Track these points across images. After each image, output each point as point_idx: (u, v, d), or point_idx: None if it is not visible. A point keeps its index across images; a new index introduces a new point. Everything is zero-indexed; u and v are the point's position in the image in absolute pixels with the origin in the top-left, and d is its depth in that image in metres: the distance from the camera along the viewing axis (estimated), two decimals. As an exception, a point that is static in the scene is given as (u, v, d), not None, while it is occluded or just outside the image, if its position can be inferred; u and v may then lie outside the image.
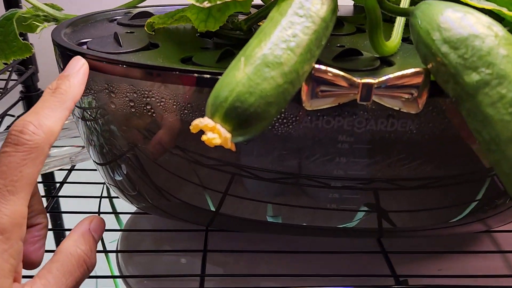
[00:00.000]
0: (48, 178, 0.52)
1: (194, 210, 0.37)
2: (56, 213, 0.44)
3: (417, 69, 0.26)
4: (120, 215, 0.44)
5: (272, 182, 0.34)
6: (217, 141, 0.22)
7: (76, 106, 0.35)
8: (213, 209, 0.37)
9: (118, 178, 0.38)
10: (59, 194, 0.44)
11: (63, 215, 0.47)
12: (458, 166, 0.32)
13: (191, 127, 0.23)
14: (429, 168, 0.31)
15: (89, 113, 0.34)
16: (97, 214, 0.30)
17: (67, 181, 0.46)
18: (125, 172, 0.37)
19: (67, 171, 0.47)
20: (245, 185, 0.35)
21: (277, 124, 0.29)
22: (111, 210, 0.44)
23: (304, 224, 0.37)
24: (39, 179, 0.47)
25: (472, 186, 0.35)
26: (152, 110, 0.30)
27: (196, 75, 0.28)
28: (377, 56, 0.33)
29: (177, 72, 0.28)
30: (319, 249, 0.38)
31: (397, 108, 0.27)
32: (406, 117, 0.29)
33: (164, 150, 0.34)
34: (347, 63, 0.32)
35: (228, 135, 0.22)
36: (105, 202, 0.44)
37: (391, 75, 0.27)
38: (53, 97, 0.27)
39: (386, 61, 0.33)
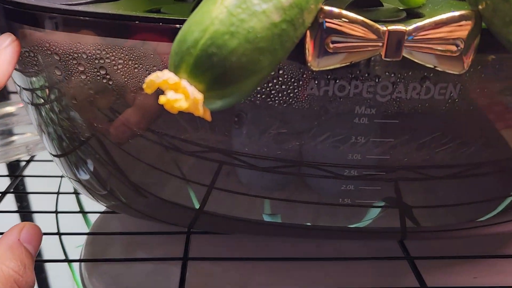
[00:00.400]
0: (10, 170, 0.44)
1: (172, 208, 0.30)
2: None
3: (464, 12, 0.19)
4: (88, 213, 0.37)
5: (269, 171, 0.27)
6: (182, 104, 0.15)
7: (23, 88, 0.28)
8: (196, 206, 0.30)
9: (79, 171, 0.31)
10: (12, 190, 0.36)
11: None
12: (509, 147, 0.25)
13: (144, 86, 0.15)
14: (472, 150, 0.24)
15: (38, 94, 0.27)
16: (30, 222, 0.23)
17: (23, 174, 0.38)
18: (87, 164, 0.30)
19: (25, 162, 0.40)
20: (236, 176, 0.28)
21: (273, 91, 0.22)
22: (76, 208, 0.36)
23: (309, 224, 0.30)
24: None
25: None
26: (108, 77, 0.23)
27: (160, 24, 0.20)
28: (402, 7, 0.26)
29: (136, 22, 0.21)
30: (328, 255, 0.31)
31: (435, 68, 0.20)
32: (446, 80, 0.21)
33: (133, 134, 0.26)
34: (364, 14, 0.24)
35: (199, 96, 0.15)
36: (69, 199, 0.37)
37: (428, 21, 0.19)
38: None
39: (414, 14, 0.25)
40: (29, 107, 0.30)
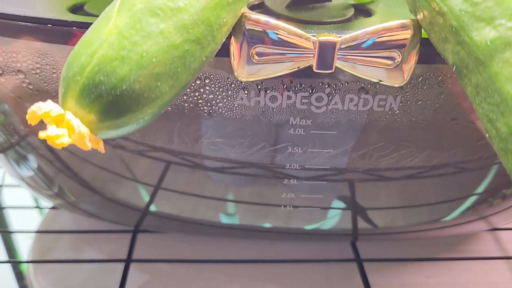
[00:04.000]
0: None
1: (117, 208, 0.29)
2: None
3: (402, 21, 0.18)
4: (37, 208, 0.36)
5: (211, 171, 0.26)
6: (64, 140, 0.13)
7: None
8: (142, 206, 0.29)
9: (21, 169, 0.29)
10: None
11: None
12: (457, 154, 0.24)
13: (27, 117, 0.14)
14: (416, 159, 0.23)
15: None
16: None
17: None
18: (29, 162, 0.29)
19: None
20: (182, 176, 0.27)
21: (200, 101, 0.20)
22: (25, 201, 0.35)
23: (260, 225, 0.29)
24: None
25: (472, 176, 0.27)
26: (27, 81, 0.21)
27: (73, 28, 0.19)
28: (352, 2, 0.24)
29: (47, 25, 0.19)
30: (278, 257, 0.30)
31: (374, 80, 0.19)
32: (385, 92, 0.20)
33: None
34: (307, 13, 0.22)
35: (84, 130, 0.14)
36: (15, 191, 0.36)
37: (362, 31, 0.18)
38: None
39: (363, 11, 0.23)
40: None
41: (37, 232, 0.33)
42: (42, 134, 0.13)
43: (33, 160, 0.28)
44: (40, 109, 0.14)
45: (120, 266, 0.29)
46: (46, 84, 0.21)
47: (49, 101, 0.14)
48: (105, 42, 0.14)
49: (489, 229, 0.34)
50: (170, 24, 0.14)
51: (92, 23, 0.19)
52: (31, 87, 0.21)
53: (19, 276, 0.31)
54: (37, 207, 0.36)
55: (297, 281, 0.29)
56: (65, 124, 0.13)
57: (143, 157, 0.26)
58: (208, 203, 0.28)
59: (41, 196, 0.31)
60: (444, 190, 0.27)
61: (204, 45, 0.15)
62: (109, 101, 0.14)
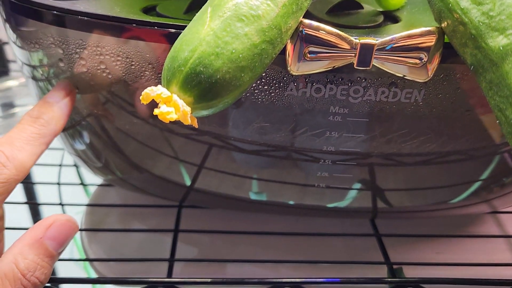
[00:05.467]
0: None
1: (164, 184, 0.33)
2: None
3: (429, 29, 0.22)
4: (88, 185, 0.39)
5: (253, 154, 0.29)
6: (172, 116, 0.17)
7: (25, 64, 0.30)
8: (187, 183, 0.33)
9: (79, 146, 0.33)
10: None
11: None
12: (468, 142, 0.28)
13: (141, 97, 0.18)
14: (434, 145, 0.27)
15: (40, 72, 0.29)
16: (63, 215, 0.23)
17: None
18: (87, 141, 0.32)
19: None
20: (224, 158, 0.31)
21: (256, 91, 0.24)
22: (76, 180, 0.39)
23: (291, 202, 0.33)
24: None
25: (480, 163, 0.30)
26: (108, 71, 0.25)
27: (155, 28, 0.22)
28: (380, 10, 0.28)
29: (132, 24, 0.23)
30: (304, 231, 0.34)
31: (402, 76, 0.22)
32: (411, 86, 0.24)
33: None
34: (344, 18, 0.26)
35: (187, 109, 0.17)
36: (70, 171, 0.40)
37: (396, 35, 0.22)
38: (32, 127, 0.24)
39: (391, 17, 0.27)
40: (30, 81, 0.32)
41: (88, 205, 0.37)
42: (156, 111, 0.17)
43: (87, 137, 0.32)
44: (153, 91, 0.17)
45: (167, 237, 0.33)
46: (123, 74, 0.25)
47: (159, 86, 0.18)
48: (203, 41, 0.18)
49: (491, 212, 0.38)
50: (252, 28, 0.18)
51: (169, 24, 0.23)
52: (110, 76, 0.25)
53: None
54: (83, 184, 0.40)
55: (322, 252, 0.33)
56: (172, 104, 0.17)
57: (194, 141, 0.30)
58: (248, 182, 0.32)
59: (94, 171, 0.35)
60: (454, 175, 0.31)
61: (275, 45, 0.19)
62: (206, 87, 0.18)
